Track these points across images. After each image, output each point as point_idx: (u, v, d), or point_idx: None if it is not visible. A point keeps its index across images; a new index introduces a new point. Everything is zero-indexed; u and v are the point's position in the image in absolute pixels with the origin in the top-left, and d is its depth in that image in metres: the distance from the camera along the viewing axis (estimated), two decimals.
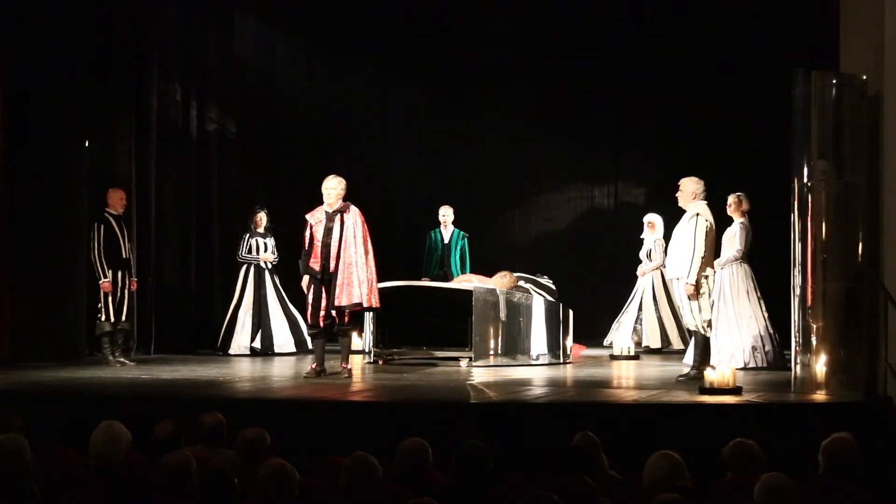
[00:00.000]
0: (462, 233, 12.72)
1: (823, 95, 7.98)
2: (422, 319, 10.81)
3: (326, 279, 9.21)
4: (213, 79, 13.10)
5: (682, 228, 9.03)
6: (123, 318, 10.50)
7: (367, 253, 9.19)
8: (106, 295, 10.37)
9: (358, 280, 9.10)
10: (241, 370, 10.41)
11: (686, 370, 9.19)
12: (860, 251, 7.90)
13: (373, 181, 13.43)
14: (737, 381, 7.94)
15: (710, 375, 7.91)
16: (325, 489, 4.96)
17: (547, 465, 5.36)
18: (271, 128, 13.94)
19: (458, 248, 12.67)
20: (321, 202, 9.37)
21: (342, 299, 9.11)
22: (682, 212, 9.11)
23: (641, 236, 12.67)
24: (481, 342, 10.38)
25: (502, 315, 10.54)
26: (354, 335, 10.10)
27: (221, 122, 13.08)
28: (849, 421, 6.65)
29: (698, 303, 8.90)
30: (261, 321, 11.91)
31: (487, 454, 5.04)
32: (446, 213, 12.68)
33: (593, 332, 13.13)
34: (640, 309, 12.55)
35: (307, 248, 9.33)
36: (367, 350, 11.03)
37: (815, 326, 7.89)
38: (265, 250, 12.02)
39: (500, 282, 10.90)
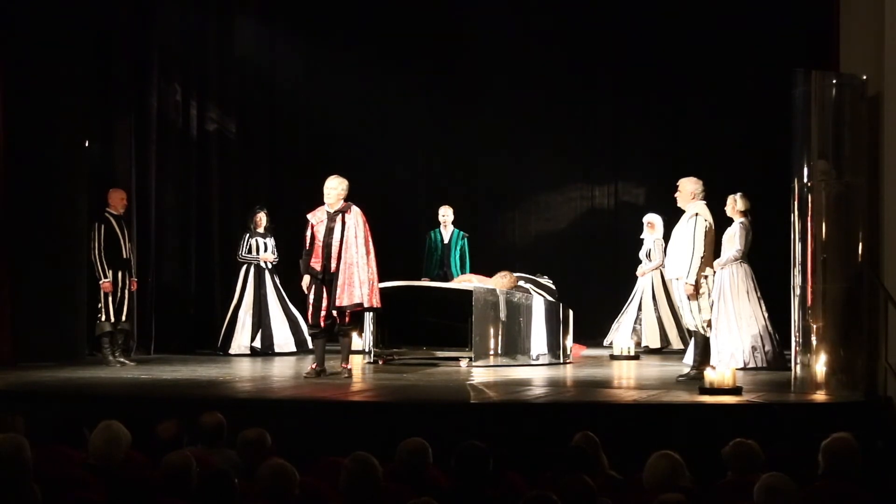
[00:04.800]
0: (462, 233, 12.71)
1: (823, 95, 7.98)
2: (422, 319, 10.81)
3: (327, 279, 9.21)
4: (213, 79, 13.10)
5: (682, 228, 9.04)
6: (123, 318, 10.49)
7: (368, 253, 9.20)
8: (106, 295, 10.36)
9: (359, 280, 9.10)
10: (241, 370, 10.42)
11: (686, 370, 9.19)
12: (860, 251, 7.90)
13: (373, 181, 13.41)
14: (737, 381, 7.94)
15: (710, 375, 7.91)
16: (325, 489, 4.96)
17: (547, 465, 5.36)
18: (271, 128, 13.94)
19: (458, 248, 12.66)
20: (322, 202, 9.37)
21: (343, 299, 9.11)
22: (682, 212, 9.12)
23: (641, 236, 12.67)
24: (481, 342, 10.38)
25: (502, 315, 10.54)
26: (355, 335, 10.10)
27: (221, 122, 13.08)
28: (849, 421, 6.65)
29: (698, 303, 8.90)
30: (261, 321, 11.91)
31: (487, 454, 5.04)
32: (446, 213, 12.67)
33: (593, 332, 13.13)
34: (639, 309, 12.55)
35: (308, 248, 9.33)
36: (367, 350, 11.03)
37: (815, 326, 7.89)
38: (265, 250, 12.02)
39: (500, 282, 10.90)
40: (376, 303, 9.28)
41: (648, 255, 12.54)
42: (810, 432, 6.15)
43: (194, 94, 12.81)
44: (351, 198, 9.39)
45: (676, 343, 12.24)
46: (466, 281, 11.08)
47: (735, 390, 7.81)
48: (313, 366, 9.36)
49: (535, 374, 9.94)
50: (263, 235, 12.05)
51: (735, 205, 10.16)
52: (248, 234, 12.03)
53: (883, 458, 6.57)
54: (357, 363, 10.38)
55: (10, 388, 8.41)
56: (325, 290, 9.22)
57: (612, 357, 11.47)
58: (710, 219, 9.01)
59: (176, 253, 12.56)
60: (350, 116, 14.23)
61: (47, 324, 10.61)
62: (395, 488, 4.85)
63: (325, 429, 7.24)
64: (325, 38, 14.08)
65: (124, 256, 10.53)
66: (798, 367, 8.03)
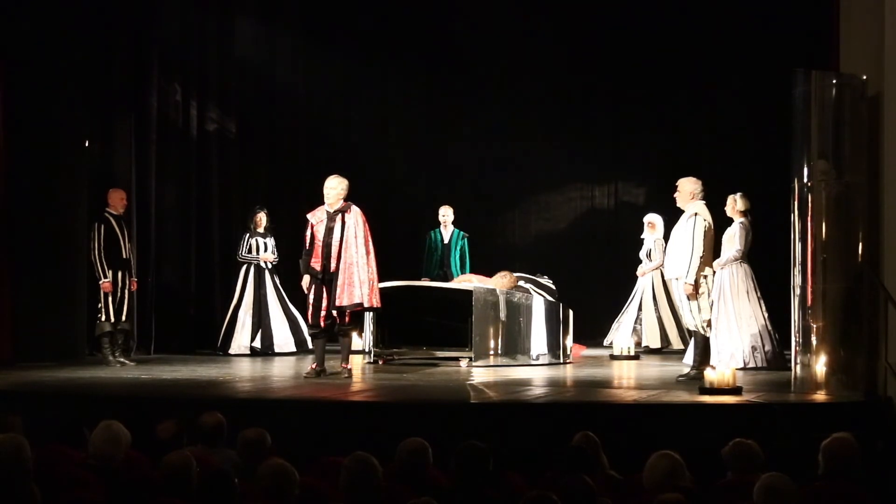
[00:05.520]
0: (462, 233, 12.71)
1: (823, 95, 7.99)
2: (422, 319, 10.80)
3: (327, 279, 9.21)
4: (213, 79, 13.10)
5: (681, 228, 9.04)
6: (123, 318, 10.49)
7: (368, 253, 9.19)
8: (106, 295, 10.36)
9: (359, 280, 9.10)
10: (241, 370, 10.41)
11: (686, 370, 9.19)
12: (860, 251, 7.91)
13: (373, 181, 13.43)
14: (737, 381, 7.94)
15: (710, 375, 7.91)
16: (325, 489, 4.96)
17: (547, 465, 5.36)
18: (271, 128, 13.93)
19: (458, 248, 12.66)
20: (322, 202, 9.37)
21: (343, 299, 9.11)
22: (682, 212, 9.12)
23: (642, 236, 12.67)
24: (481, 342, 10.38)
25: (502, 315, 10.54)
26: (354, 335, 10.10)
27: (221, 122, 13.08)
28: (849, 421, 6.66)
29: (697, 303, 8.90)
30: (261, 321, 11.91)
31: (487, 454, 5.04)
32: (446, 213, 12.67)
33: (593, 332, 13.13)
34: (639, 309, 12.55)
35: (308, 248, 9.33)
36: (367, 350, 11.03)
37: (815, 326, 7.89)
38: (265, 250, 12.02)
39: (500, 282, 10.90)
40: (376, 303, 9.28)
41: (649, 255, 12.54)
42: (810, 432, 6.15)
43: (194, 94, 12.81)
44: (351, 198, 9.38)
45: (676, 343, 12.24)
46: (466, 281, 11.08)
47: (735, 390, 7.81)
48: (313, 366, 9.36)
49: (535, 374, 9.93)
50: (263, 235, 12.05)
51: (735, 205, 10.16)
52: (248, 234, 12.03)
53: (883, 458, 6.57)
54: (357, 363, 10.38)
55: (10, 388, 8.41)
56: (324, 290, 9.22)
57: (612, 357, 11.47)
58: (710, 218, 9.01)
59: (176, 253, 12.56)
60: (350, 116, 14.23)
61: (47, 324, 10.62)
62: (395, 488, 4.85)
63: (325, 429, 7.24)
64: (325, 38, 14.07)
65: (124, 256, 10.53)
66: (798, 367, 8.03)
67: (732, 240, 10.09)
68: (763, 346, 9.94)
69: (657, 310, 12.45)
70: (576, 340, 11.61)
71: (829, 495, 4.87)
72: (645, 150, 14.27)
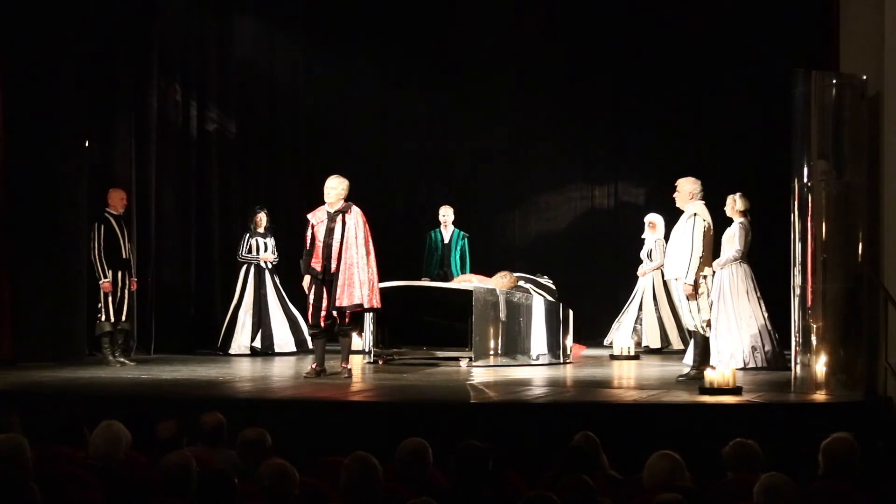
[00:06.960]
0: (462, 233, 12.72)
1: (823, 95, 7.99)
2: (422, 319, 10.81)
3: (327, 279, 9.21)
4: (213, 79, 13.11)
5: (680, 229, 9.04)
6: (123, 318, 10.50)
7: (368, 253, 9.19)
8: (106, 295, 10.37)
9: (359, 281, 9.09)
10: (241, 370, 10.41)
11: (686, 370, 9.19)
12: (860, 251, 7.90)
13: (373, 181, 13.44)
14: (737, 381, 7.95)
15: (710, 375, 7.91)
16: (325, 489, 4.96)
17: (547, 465, 5.36)
18: (271, 128, 13.94)
19: (458, 248, 12.66)
20: (322, 202, 9.37)
21: (343, 300, 9.11)
22: (682, 212, 9.11)
23: (643, 236, 12.67)
24: (481, 342, 10.38)
25: (502, 315, 10.54)
26: (355, 335, 10.10)
27: (221, 122, 13.08)
28: (849, 421, 6.65)
29: (697, 303, 8.90)
30: (261, 321, 11.91)
31: (487, 454, 5.03)
32: (446, 213, 12.68)
33: (593, 332, 13.13)
34: (640, 309, 12.55)
35: (308, 248, 9.33)
36: (367, 350, 11.03)
37: (815, 326, 7.89)
38: (265, 250, 12.02)
39: (500, 282, 10.90)
40: (376, 303, 9.28)
41: (649, 255, 12.53)
42: (810, 432, 6.15)
43: (194, 94, 12.81)
44: (351, 198, 9.38)
45: (677, 343, 12.23)
46: (466, 281, 11.08)
47: (735, 390, 7.82)
48: (313, 366, 9.36)
49: (535, 374, 9.93)
50: (263, 235, 12.05)
51: (735, 205, 10.16)
52: (248, 234, 12.03)
53: (883, 458, 6.57)
54: (357, 363, 10.38)
55: (10, 388, 8.41)
56: (325, 290, 9.22)
57: (612, 357, 11.47)
58: (709, 219, 9.01)
59: (176, 253, 12.56)
60: (350, 116, 14.24)
61: (47, 324, 10.62)
62: (395, 488, 4.85)
63: (325, 429, 7.24)
64: (325, 38, 14.09)
65: (124, 256, 10.53)
66: (798, 367, 8.03)
67: (732, 240, 10.08)
68: (763, 346, 9.94)
69: (657, 310, 12.45)
70: (576, 340, 11.61)
71: (829, 495, 4.87)
72: (645, 150, 14.27)
